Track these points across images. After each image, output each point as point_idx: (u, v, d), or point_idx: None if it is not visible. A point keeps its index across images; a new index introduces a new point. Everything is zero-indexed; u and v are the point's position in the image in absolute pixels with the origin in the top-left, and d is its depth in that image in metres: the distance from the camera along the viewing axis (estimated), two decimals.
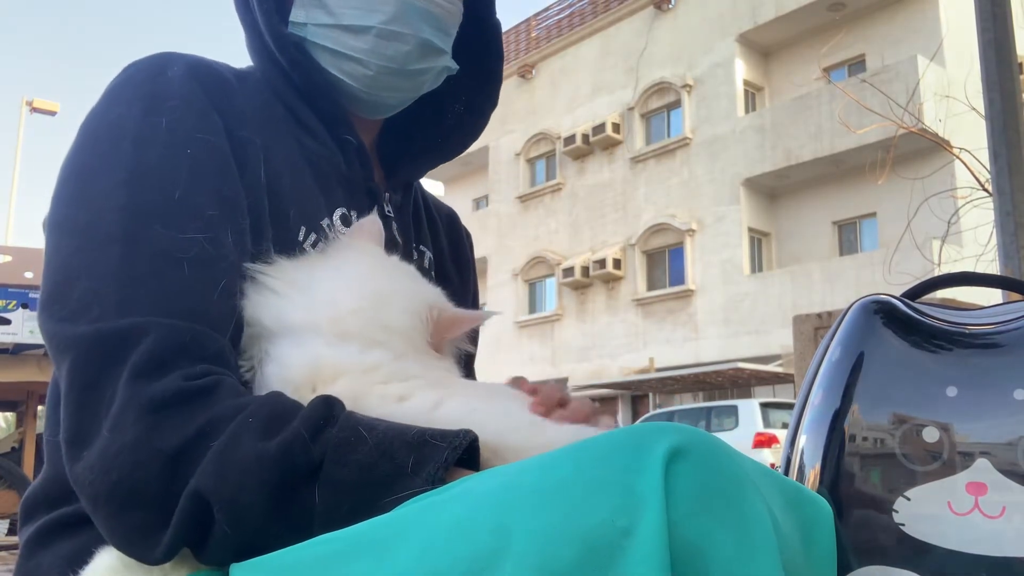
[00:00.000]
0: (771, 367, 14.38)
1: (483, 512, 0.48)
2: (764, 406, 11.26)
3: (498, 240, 20.44)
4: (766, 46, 17.61)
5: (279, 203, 0.79)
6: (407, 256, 0.92)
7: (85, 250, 0.68)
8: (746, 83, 17.47)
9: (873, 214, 15.44)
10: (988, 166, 3.00)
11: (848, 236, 16.27)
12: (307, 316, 0.73)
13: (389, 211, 0.93)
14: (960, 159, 7.19)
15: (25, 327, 4.06)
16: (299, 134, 0.85)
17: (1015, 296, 1.51)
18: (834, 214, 16.26)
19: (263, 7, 0.85)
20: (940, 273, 1.05)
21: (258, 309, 0.74)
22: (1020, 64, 3.12)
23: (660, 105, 18.63)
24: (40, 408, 4.94)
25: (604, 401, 17.64)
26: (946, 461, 0.79)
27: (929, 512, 0.78)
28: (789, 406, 10.64)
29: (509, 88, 20.46)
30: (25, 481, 4.63)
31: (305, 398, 0.67)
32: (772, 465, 0.74)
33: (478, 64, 0.98)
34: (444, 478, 0.58)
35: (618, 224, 18.80)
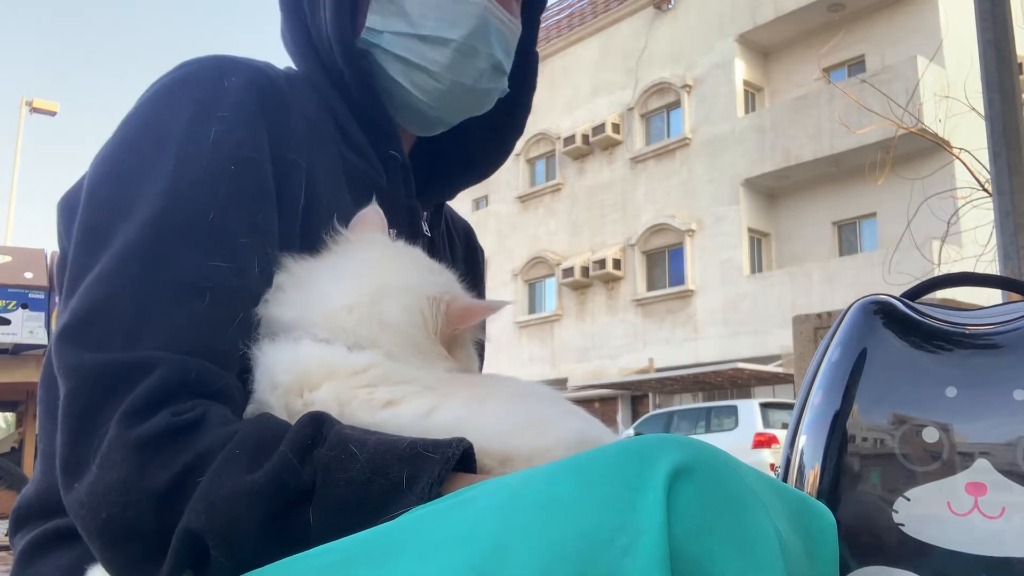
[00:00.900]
0: (771, 367, 14.38)
1: (483, 525, 0.48)
2: (764, 406, 11.25)
3: (498, 240, 20.43)
4: (766, 46, 17.61)
5: (316, 224, 0.77)
6: None
7: (107, 267, 0.66)
8: (746, 83, 17.47)
9: (873, 214, 15.44)
10: (988, 166, 3.00)
11: (848, 236, 16.27)
12: (299, 314, 0.71)
13: (426, 230, 0.93)
14: (960, 159, 7.19)
15: (25, 327, 4.06)
16: (343, 148, 0.84)
17: (1015, 296, 1.51)
18: (834, 214, 16.26)
19: (336, 11, 0.83)
20: (940, 273, 1.05)
21: (258, 310, 0.72)
22: (1020, 64, 3.12)
23: (660, 105, 18.63)
24: None
25: (604, 401, 17.64)
26: (946, 461, 0.79)
27: (929, 512, 0.78)
28: (789, 406, 10.64)
29: None
30: (25, 481, 4.63)
31: (292, 404, 0.66)
32: (772, 466, 0.74)
33: (513, 91, 0.97)
34: (439, 492, 0.57)
35: (618, 224, 18.79)
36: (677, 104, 18.23)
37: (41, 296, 4.03)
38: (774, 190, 17.00)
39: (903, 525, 0.78)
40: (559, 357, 19.21)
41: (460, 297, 0.77)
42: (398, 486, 0.57)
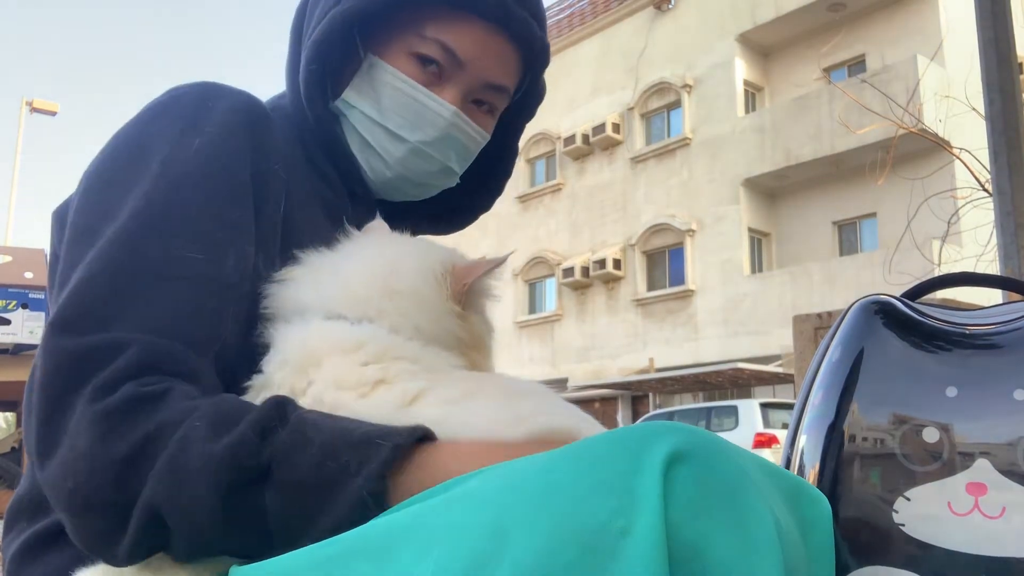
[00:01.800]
0: (771, 367, 14.38)
1: (481, 514, 0.48)
2: (764, 406, 11.26)
3: (498, 240, 20.42)
4: (766, 46, 17.61)
5: (295, 235, 0.82)
6: None
7: (90, 261, 0.70)
8: (746, 83, 17.47)
9: (873, 214, 15.44)
10: (988, 166, 2.99)
11: (848, 236, 16.27)
12: (314, 295, 0.75)
13: None
14: (960, 159, 7.19)
15: (25, 327, 4.06)
16: (314, 177, 0.89)
17: (1015, 296, 1.51)
18: (834, 214, 16.26)
19: (309, 72, 0.87)
20: (940, 273, 1.05)
21: (276, 300, 0.76)
22: (1020, 64, 3.12)
23: (660, 105, 18.63)
24: None
25: (604, 401, 17.65)
26: (946, 461, 0.79)
27: (929, 512, 0.78)
28: (789, 406, 10.64)
29: None
30: None
31: (297, 383, 0.68)
32: None
33: (489, 169, 1.03)
34: (386, 475, 0.59)
35: (618, 224, 18.79)
36: (677, 104, 18.23)
37: (41, 296, 4.03)
38: (774, 190, 17.00)
39: (903, 525, 0.78)
40: (559, 357, 19.21)
41: (463, 258, 0.81)
42: (347, 471, 0.59)
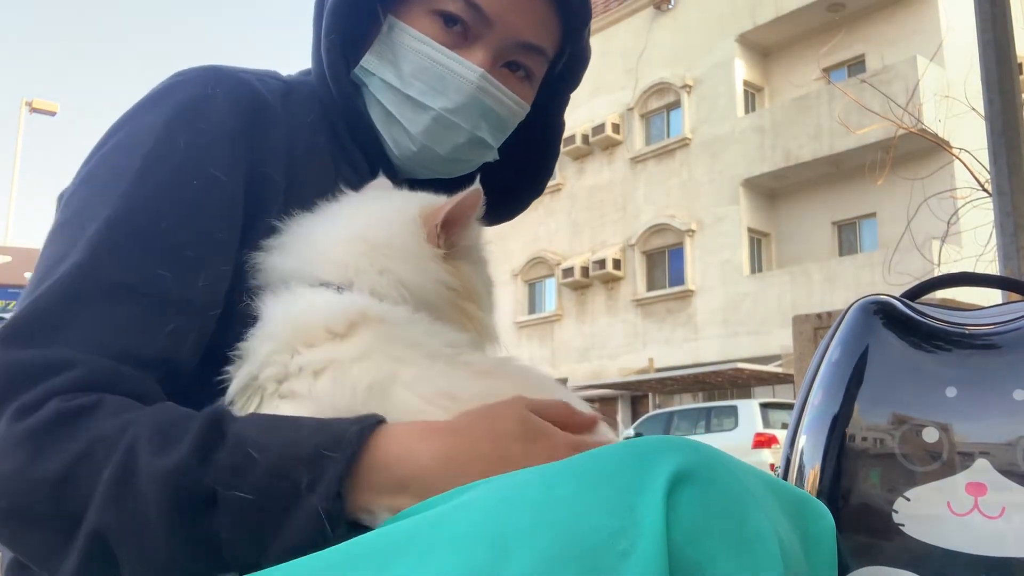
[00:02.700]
0: (771, 367, 14.37)
1: (482, 526, 0.48)
2: (764, 406, 11.25)
3: (497, 241, 20.25)
4: (766, 46, 17.61)
5: None
6: None
7: (59, 266, 0.67)
8: (746, 83, 17.46)
9: (873, 214, 15.43)
10: (988, 167, 2.99)
11: (848, 236, 16.26)
12: (296, 262, 0.71)
13: None
14: (960, 159, 7.19)
15: None
16: (339, 161, 0.84)
17: (1015, 296, 1.51)
18: (834, 214, 16.25)
19: (329, 42, 0.82)
20: (940, 273, 1.05)
21: (261, 271, 0.73)
22: (1020, 65, 3.12)
23: (660, 105, 18.62)
24: None
25: (604, 401, 17.64)
26: (946, 461, 0.79)
27: (929, 512, 0.78)
28: (789, 406, 10.63)
29: None
30: None
31: (287, 363, 0.66)
32: (772, 466, 0.74)
33: (534, 152, 0.95)
34: (341, 492, 0.57)
35: (618, 224, 18.79)
36: (677, 104, 18.22)
37: None
38: (774, 190, 17.00)
39: (903, 525, 0.78)
40: (559, 357, 19.20)
41: (439, 200, 0.76)
42: (298, 490, 0.57)
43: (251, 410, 0.67)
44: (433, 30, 0.81)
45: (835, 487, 0.82)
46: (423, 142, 0.84)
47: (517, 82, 0.86)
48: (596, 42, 19.70)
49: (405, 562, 0.49)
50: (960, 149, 7.07)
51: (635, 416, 17.03)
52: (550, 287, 20.04)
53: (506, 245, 20.44)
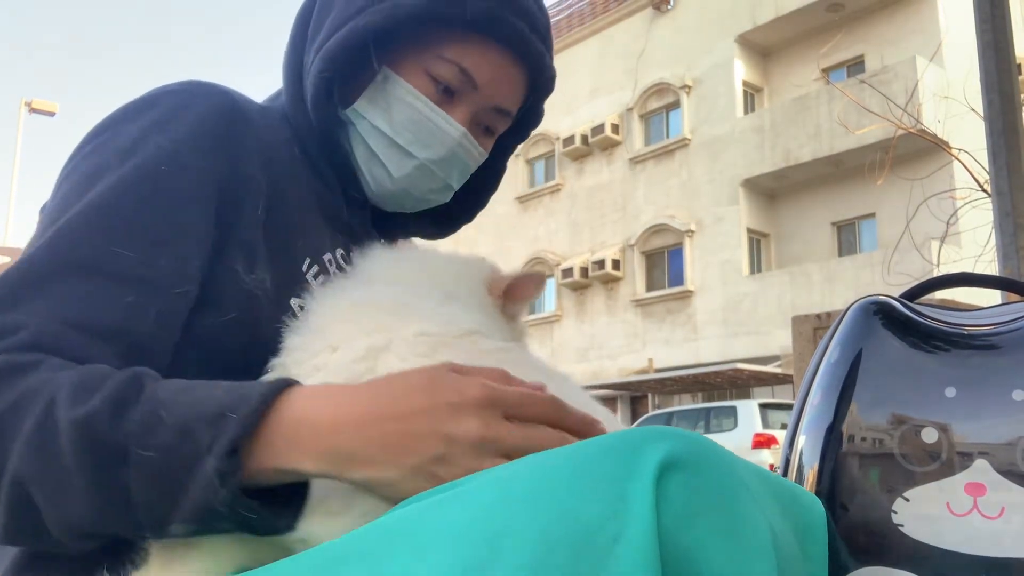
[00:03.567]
0: (770, 368, 14.38)
1: (475, 518, 0.48)
2: (763, 407, 11.25)
3: (497, 241, 20.43)
4: (765, 47, 17.62)
5: (286, 235, 0.82)
6: None
7: (34, 244, 0.70)
8: (745, 84, 17.47)
9: (872, 215, 15.44)
10: (987, 167, 3.00)
11: (847, 237, 16.27)
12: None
13: None
14: (959, 160, 7.19)
15: None
16: (311, 177, 0.89)
17: (1014, 297, 1.51)
18: (833, 215, 16.26)
19: (321, 79, 0.87)
20: (939, 274, 1.05)
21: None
22: (1019, 65, 3.12)
23: (659, 106, 18.62)
24: None
25: (603, 402, 17.61)
26: (945, 462, 0.79)
27: (928, 513, 0.78)
28: (788, 407, 10.64)
29: None
30: None
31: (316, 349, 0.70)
32: (771, 466, 0.74)
33: (478, 182, 1.03)
34: (238, 451, 0.57)
35: (617, 225, 18.79)
36: (676, 104, 18.23)
37: None
38: (774, 190, 17.00)
39: (902, 525, 0.78)
40: (558, 357, 19.20)
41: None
42: (201, 450, 0.57)
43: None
44: (424, 87, 0.88)
45: (834, 487, 0.82)
46: (402, 185, 0.92)
47: (482, 136, 0.95)
48: (596, 42, 19.84)
49: (399, 555, 0.49)
50: (959, 149, 7.07)
51: (634, 416, 17.03)
52: (549, 287, 20.05)
53: (505, 245, 20.45)
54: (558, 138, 20.03)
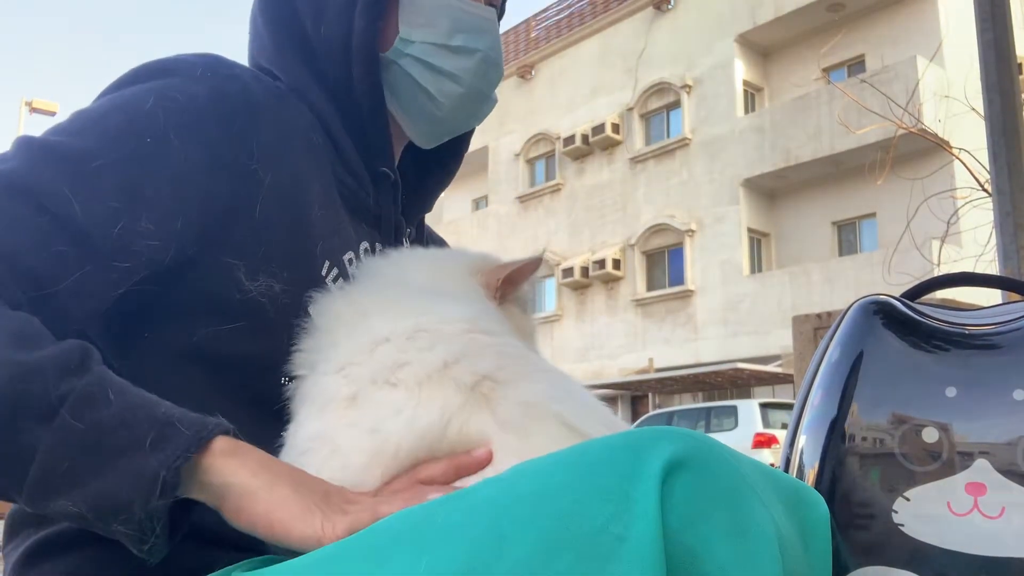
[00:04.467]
0: (770, 367, 14.38)
1: (479, 518, 0.48)
2: (763, 406, 11.25)
3: (497, 241, 20.42)
4: (765, 47, 17.61)
5: (304, 239, 0.79)
6: None
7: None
8: (745, 84, 17.47)
9: (873, 214, 15.44)
10: (987, 166, 3.00)
11: (847, 236, 16.27)
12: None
13: (408, 246, 0.96)
14: (959, 159, 7.19)
15: None
16: (336, 166, 0.86)
17: (1015, 296, 1.51)
18: (833, 214, 16.26)
19: (369, 22, 0.85)
20: (940, 273, 1.05)
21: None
22: (1020, 65, 3.12)
23: (659, 106, 18.62)
24: None
25: (604, 401, 17.62)
26: (945, 461, 0.79)
27: (928, 512, 0.78)
28: (788, 406, 10.64)
29: (508, 88, 20.45)
30: None
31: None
32: (771, 466, 0.74)
33: (444, 156, 1.02)
34: (180, 467, 0.57)
35: (617, 224, 18.79)
36: (677, 104, 18.23)
37: None
38: (774, 190, 17.00)
39: (903, 525, 0.78)
40: (559, 357, 19.20)
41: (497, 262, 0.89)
42: (141, 445, 0.57)
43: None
44: None
45: (835, 487, 0.82)
46: (470, 82, 0.91)
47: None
48: (596, 42, 19.84)
49: (401, 554, 0.49)
50: (960, 149, 7.07)
51: (635, 416, 17.03)
52: (550, 287, 20.05)
53: (506, 244, 20.45)
54: (558, 138, 20.03)
